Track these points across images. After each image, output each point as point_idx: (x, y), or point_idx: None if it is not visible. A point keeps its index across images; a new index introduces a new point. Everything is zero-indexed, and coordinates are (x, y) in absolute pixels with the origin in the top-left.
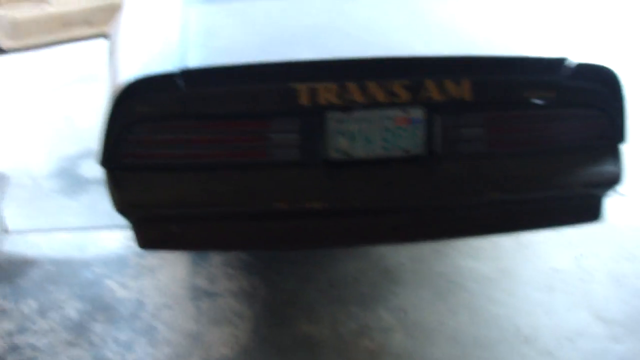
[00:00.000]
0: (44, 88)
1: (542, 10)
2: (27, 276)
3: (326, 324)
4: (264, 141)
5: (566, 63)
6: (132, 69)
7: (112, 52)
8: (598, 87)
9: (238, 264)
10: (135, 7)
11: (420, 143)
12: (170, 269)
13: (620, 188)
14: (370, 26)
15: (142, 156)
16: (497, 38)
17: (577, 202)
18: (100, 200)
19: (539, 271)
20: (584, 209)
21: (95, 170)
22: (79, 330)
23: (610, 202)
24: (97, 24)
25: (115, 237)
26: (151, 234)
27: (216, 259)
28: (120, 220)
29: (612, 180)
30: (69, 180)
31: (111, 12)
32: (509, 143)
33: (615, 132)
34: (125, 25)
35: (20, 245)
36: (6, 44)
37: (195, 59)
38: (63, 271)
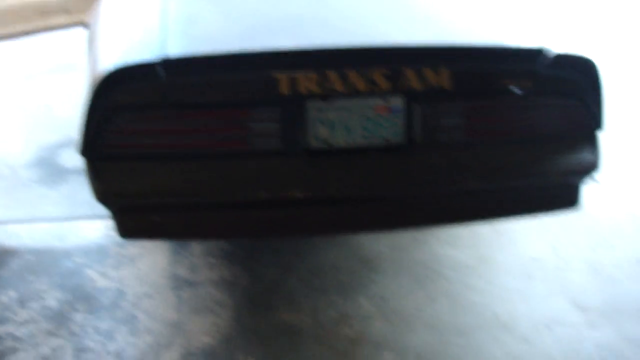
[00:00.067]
0: (22, 77)
1: (522, 0)
2: (7, 266)
3: (307, 312)
4: (245, 130)
5: (544, 53)
6: (112, 58)
7: (91, 41)
8: (576, 76)
9: (219, 253)
10: None
11: (400, 132)
12: (151, 258)
13: (597, 176)
14: (350, 15)
15: (123, 146)
16: (477, 27)
17: (555, 189)
18: (81, 190)
19: (516, 259)
20: (562, 196)
21: (75, 160)
22: (59, 320)
23: (588, 192)
24: (75, 12)
25: (96, 226)
26: (132, 223)
27: (197, 248)
28: (101, 209)
29: (590, 168)
30: (49, 169)
31: (89, 0)
32: (487, 132)
33: (592, 120)
34: (104, 13)
35: None
36: None
37: (176, 48)
38: (43, 261)
